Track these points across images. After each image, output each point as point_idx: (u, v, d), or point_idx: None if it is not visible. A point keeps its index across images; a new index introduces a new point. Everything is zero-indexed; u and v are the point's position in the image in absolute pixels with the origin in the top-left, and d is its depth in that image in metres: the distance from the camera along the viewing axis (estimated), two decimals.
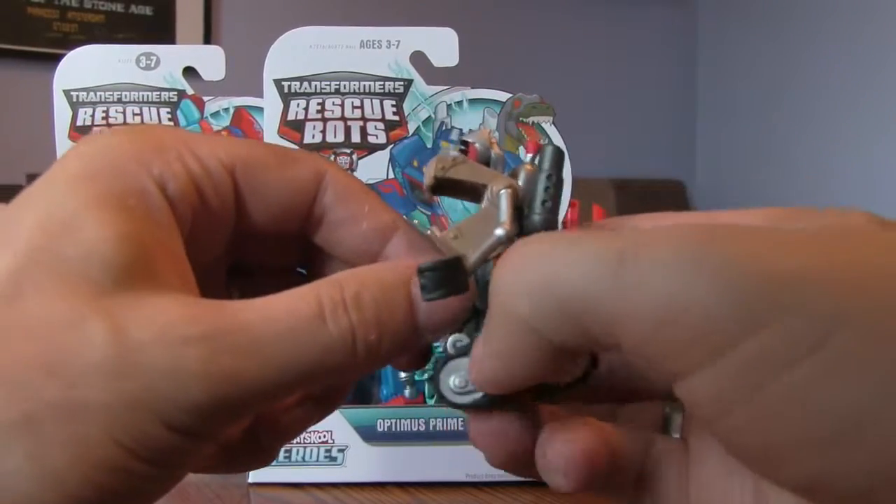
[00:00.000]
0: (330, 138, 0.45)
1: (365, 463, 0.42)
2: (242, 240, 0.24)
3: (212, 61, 0.55)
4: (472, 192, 0.23)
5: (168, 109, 0.54)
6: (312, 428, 0.42)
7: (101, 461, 0.18)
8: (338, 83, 0.44)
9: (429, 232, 0.23)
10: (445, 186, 0.22)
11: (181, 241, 0.21)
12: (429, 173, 0.22)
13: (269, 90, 0.44)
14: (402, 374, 0.45)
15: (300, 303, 0.20)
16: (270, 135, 0.44)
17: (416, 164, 0.45)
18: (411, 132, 0.44)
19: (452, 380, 0.22)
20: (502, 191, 0.21)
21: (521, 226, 0.22)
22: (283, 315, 0.20)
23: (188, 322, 0.19)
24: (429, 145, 0.44)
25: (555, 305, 0.18)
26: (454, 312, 0.21)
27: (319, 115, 0.44)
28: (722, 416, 0.16)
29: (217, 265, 0.25)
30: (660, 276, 0.16)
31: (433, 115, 0.44)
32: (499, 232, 0.21)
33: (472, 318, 0.22)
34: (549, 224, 0.22)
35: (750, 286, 0.15)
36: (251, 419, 0.24)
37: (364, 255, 0.24)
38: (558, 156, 0.22)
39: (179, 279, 0.20)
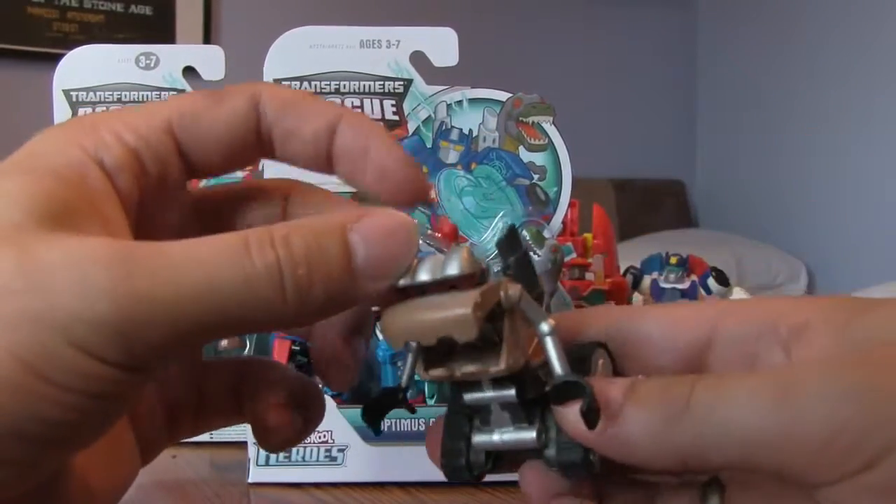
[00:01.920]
0: None
1: (365, 463, 0.42)
2: (211, 203, 0.25)
3: (212, 61, 0.55)
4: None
5: None
6: None
7: (1, 378, 0.17)
8: (338, 83, 0.44)
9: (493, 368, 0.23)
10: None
11: (120, 209, 0.21)
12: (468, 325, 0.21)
13: None
14: None
15: (225, 238, 0.20)
16: None
17: None
18: (411, 132, 0.44)
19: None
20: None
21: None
22: (205, 246, 0.19)
23: (102, 245, 0.19)
24: (429, 145, 0.44)
25: (726, 439, 0.20)
26: (397, 257, 0.21)
27: None
28: None
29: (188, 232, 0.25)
30: (819, 407, 0.19)
31: (433, 115, 0.44)
32: (546, 329, 0.22)
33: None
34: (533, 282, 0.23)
35: (889, 412, 0.19)
36: (181, 356, 0.23)
37: (318, 156, 0.24)
38: (515, 235, 0.24)
39: (104, 233, 0.20)
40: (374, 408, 0.24)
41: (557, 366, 0.22)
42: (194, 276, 0.19)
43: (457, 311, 0.20)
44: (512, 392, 0.23)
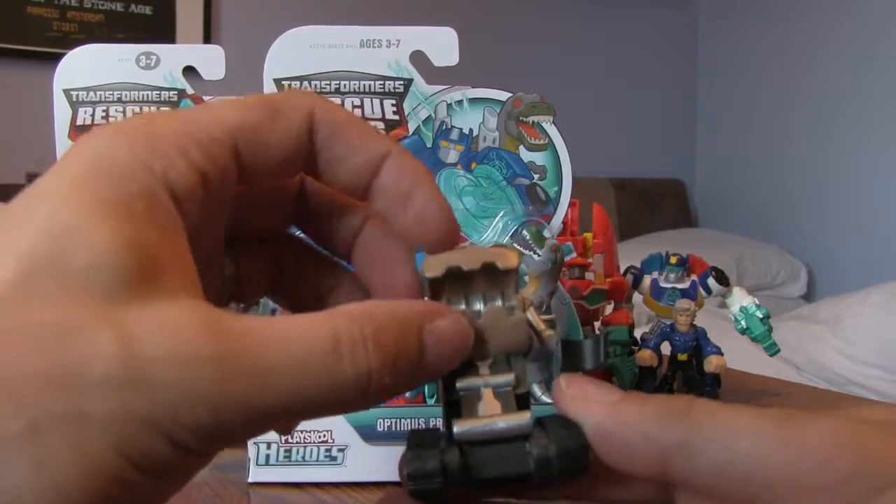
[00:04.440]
0: None
1: (365, 463, 0.42)
2: (238, 207, 0.24)
3: (212, 61, 0.55)
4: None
5: (168, 109, 0.54)
6: (312, 427, 0.42)
7: (106, 472, 0.18)
8: (338, 82, 0.44)
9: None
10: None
11: (186, 242, 0.21)
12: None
13: (270, 89, 0.44)
14: None
15: (317, 332, 0.20)
16: None
17: None
18: (411, 132, 0.44)
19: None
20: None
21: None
22: (297, 345, 0.20)
23: (201, 340, 0.19)
24: (429, 145, 0.44)
25: (718, 441, 0.22)
26: (455, 359, 0.22)
27: None
28: None
29: (217, 242, 0.25)
30: (821, 433, 0.21)
31: (433, 115, 0.44)
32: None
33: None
34: None
35: (874, 470, 0.21)
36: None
37: (358, 186, 0.24)
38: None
39: (185, 282, 0.20)
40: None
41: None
42: (286, 382, 0.19)
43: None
44: (510, 377, 0.23)
